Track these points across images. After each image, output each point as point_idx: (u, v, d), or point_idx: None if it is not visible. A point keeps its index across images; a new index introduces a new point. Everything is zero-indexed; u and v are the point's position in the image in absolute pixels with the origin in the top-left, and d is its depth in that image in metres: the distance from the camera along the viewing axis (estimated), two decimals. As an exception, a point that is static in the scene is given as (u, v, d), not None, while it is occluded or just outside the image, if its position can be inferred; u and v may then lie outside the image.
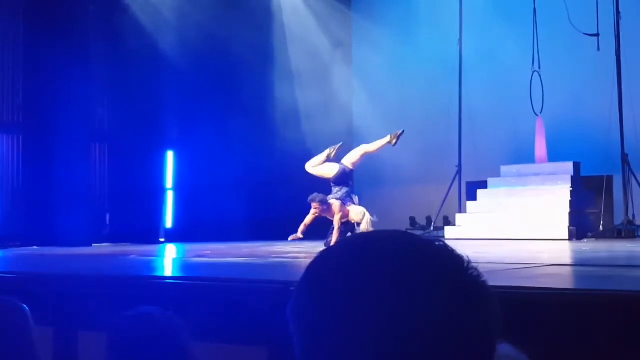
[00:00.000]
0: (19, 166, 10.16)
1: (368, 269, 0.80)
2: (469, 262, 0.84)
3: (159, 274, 5.61)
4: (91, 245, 9.60)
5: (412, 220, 12.73)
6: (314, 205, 8.32)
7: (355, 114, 13.91)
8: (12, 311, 1.81)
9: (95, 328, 3.49)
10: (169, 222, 11.54)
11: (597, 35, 10.56)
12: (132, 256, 7.36)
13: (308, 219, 8.33)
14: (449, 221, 11.60)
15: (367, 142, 13.49)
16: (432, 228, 11.70)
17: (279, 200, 11.49)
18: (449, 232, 10.75)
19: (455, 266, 0.83)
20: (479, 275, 0.83)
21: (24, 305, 1.86)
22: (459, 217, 11.09)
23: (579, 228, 9.74)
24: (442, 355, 0.77)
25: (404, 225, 12.05)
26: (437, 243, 0.85)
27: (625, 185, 10.15)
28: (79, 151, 10.22)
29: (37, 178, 9.90)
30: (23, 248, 8.99)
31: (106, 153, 11.08)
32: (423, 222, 12.53)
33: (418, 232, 10.34)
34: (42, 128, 9.99)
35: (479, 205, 11.04)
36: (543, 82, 11.12)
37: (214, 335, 3.45)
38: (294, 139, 12.29)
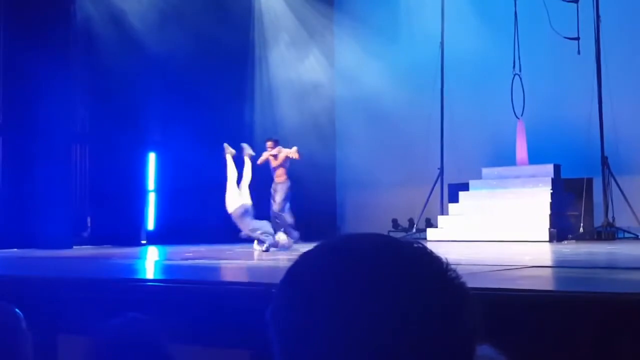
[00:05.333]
0: (-1, 168, 10.06)
1: (347, 272, 0.80)
2: (447, 263, 0.84)
3: (140, 276, 5.57)
4: (72, 248, 9.52)
5: (395, 222, 12.77)
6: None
7: (337, 115, 13.93)
8: (4, 315, 1.79)
9: (76, 331, 3.46)
10: (150, 224, 11.47)
11: (578, 39, 10.66)
12: (113, 259, 7.31)
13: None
14: (431, 223, 11.64)
15: (350, 145, 13.56)
16: (414, 230, 11.74)
17: (260, 201, 11.46)
18: (430, 233, 10.80)
19: (434, 268, 0.83)
20: (457, 277, 0.83)
21: (17, 310, 1.84)
22: (440, 219, 11.14)
23: (559, 230, 9.83)
24: (422, 357, 0.77)
25: (386, 228, 12.09)
26: (415, 245, 0.85)
27: (605, 187, 10.25)
28: (59, 153, 10.13)
29: (17, 179, 9.79)
30: (2, 250, 8.88)
31: (87, 155, 10.98)
32: (405, 224, 12.57)
33: (400, 234, 10.38)
34: (22, 129, 9.89)
35: (460, 207, 11.10)
36: (524, 85, 11.21)
37: (196, 338, 3.44)
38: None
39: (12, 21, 9.92)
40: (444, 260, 0.84)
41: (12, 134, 10.01)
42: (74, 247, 9.69)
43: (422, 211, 11.71)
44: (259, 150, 12.36)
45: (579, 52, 10.62)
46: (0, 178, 10.00)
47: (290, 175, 9.48)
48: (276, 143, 9.53)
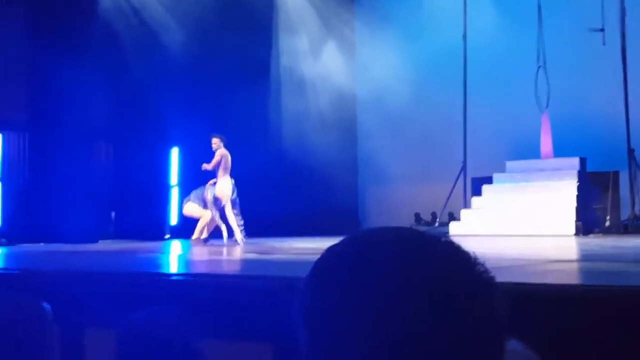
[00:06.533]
0: (26, 164, 10.21)
1: (374, 266, 0.79)
2: (475, 257, 0.83)
3: (164, 270, 5.61)
4: (97, 242, 9.63)
5: (417, 217, 12.72)
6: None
7: (359, 109, 13.90)
8: (31, 310, 1.81)
9: (102, 325, 3.50)
10: (174, 218, 11.55)
11: (602, 30, 10.52)
12: (138, 253, 7.38)
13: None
14: (454, 217, 11.56)
15: (372, 139, 13.52)
16: (437, 224, 11.68)
17: (282, 197, 11.50)
18: (453, 227, 10.72)
19: (463, 262, 0.81)
20: (486, 271, 0.82)
21: (45, 305, 1.86)
22: (463, 213, 11.05)
23: (585, 223, 9.72)
24: (452, 352, 0.76)
25: (408, 222, 12.04)
26: (442, 239, 0.84)
27: (632, 180, 10.12)
28: (84, 149, 10.27)
29: (43, 176, 9.94)
30: (30, 245, 9.02)
31: (111, 151, 11.11)
32: (428, 218, 12.52)
33: (423, 228, 10.31)
34: (48, 127, 10.03)
35: (484, 201, 11.01)
36: (548, 77, 11.08)
37: (219, 332, 3.45)
38: (296, 136, 12.29)
39: (37, 20, 10.05)
40: (471, 254, 0.83)
41: (38, 131, 10.17)
42: (100, 241, 9.80)
43: (445, 205, 11.64)
44: (278, 143, 12.40)
45: (603, 44, 10.48)
46: (27, 174, 10.15)
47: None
48: (221, 140, 9.54)
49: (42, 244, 9.15)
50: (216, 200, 9.21)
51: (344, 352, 0.78)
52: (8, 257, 7.38)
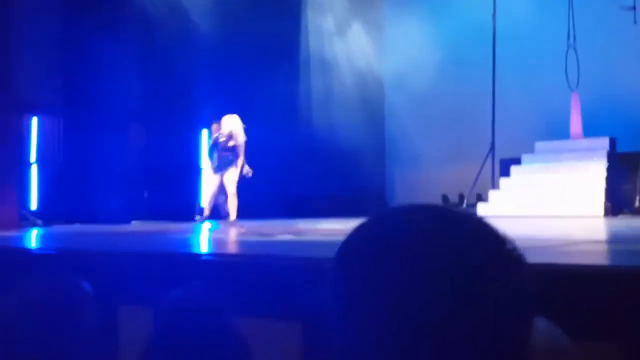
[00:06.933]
0: (61, 146, 10.41)
1: (403, 244, 0.80)
2: (505, 235, 0.84)
3: (195, 250, 5.70)
4: (130, 223, 9.80)
5: (445, 198, 12.68)
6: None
7: (386, 89, 13.84)
8: (72, 288, 1.85)
9: (136, 302, 3.59)
10: (205, 199, 11.67)
11: (634, 8, 10.33)
12: (171, 233, 7.49)
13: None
14: (481, 198, 11.51)
15: (399, 119, 13.47)
16: (464, 205, 11.64)
17: (311, 178, 11.54)
18: (481, 208, 10.68)
19: (493, 241, 0.82)
20: (514, 249, 0.83)
21: (86, 284, 1.90)
22: (492, 194, 10.99)
23: (615, 204, 9.63)
24: (482, 330, 0.77)
25: (435, 203, 11.99)
26: (472, 216, 0.85)
27: (662, 160, 9.97)
28: (117, 131, 10.43)
29: (77, 158, 10.13)
30: (65, 226, 9.20)
31: (144, 133, 11.26)
32: (455, 199, 12.48)
33: (451, 209, 10.24)
34: (82, 109, 10.20)
35: (512, 182, 10.94)
36: (578, 56, 10.92)
37: (249, 310, 3.52)
38: (324, 116, 12.31)
39: (71, 4, 10.16)
40: (500, 232, 0.84)
41: (72, 114, 10.34)
42: (132, 221, 9.97)
43: (473, 186, 11.58)
44: (306, 124, 12.42)
45: (635, 22, 10.29)
46: (62, 156, 10.35)
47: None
48: (219, 126, 9.54)
49: (77, 224, 9.33)
50: (224, 151, 9.09)
51: (367, 332, 0.79)
52: (44, 237, 7.54)
